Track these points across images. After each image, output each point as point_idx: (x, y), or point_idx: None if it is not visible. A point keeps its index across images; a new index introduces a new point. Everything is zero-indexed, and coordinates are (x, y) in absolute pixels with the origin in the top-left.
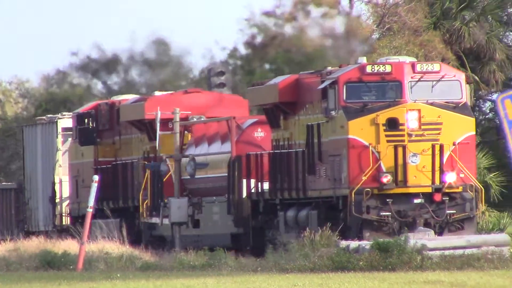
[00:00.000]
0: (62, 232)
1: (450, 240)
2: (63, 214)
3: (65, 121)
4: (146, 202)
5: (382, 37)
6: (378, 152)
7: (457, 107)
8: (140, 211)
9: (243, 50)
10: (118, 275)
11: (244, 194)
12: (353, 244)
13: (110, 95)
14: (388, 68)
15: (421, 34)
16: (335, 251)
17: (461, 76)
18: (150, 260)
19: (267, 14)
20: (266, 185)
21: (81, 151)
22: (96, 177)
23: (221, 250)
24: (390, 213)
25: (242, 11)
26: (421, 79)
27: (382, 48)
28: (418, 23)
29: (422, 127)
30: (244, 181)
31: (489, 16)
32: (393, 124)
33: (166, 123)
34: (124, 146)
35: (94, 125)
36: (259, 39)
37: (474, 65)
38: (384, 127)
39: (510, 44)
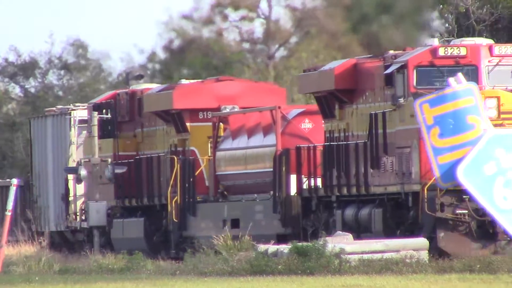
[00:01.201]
0: (76, 232)
1: (368, 244)
2: (78, 213)
3: (79, 112)
4: (175, 199)
5: (300, 41)
6: None
7: None
8: (169, 209)
9: (161, 54)
10: (37, 278)
11: (293, 191)
12: (272, 248)
13: (27, 98)
14: (462, 51)
15: (339, 38)
16: (254, 255)
17: None
18: (68, 264)
19: (185, 17)
20: (318, 181)
21: (98, 144)
22: (14, 181)
23: (139, 254)
24: (467, 211)
25: (161, 14)
26: (500, 63)
27: (300, 51)
28: (336, 26)
29: (502, 116)
30: (294, 176)
31: (406, 20)
32: None
33: (196, 113)
34: (147, 139)
35: (113, 117)
36: (177, 43)
37: None
38: None
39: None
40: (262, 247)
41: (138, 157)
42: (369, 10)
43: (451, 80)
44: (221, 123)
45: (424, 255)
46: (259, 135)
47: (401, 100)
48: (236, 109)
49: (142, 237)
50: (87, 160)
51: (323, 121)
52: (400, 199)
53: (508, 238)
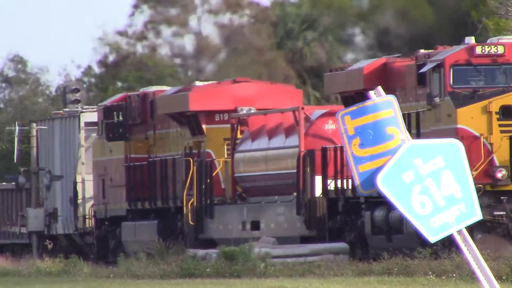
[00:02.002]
0: (85, 235)
1: (292, 248)
2: (87, 216)
3: (88, 115)
4: (191, 202)
5: (228, 56)
6: (491, 144)
7: None
8: (184, 212)
9: (97, 69)
10: None
11: (318, 193)
12: (201, 252)
13: None
14: (500, 50)
15: (265, 54)
16: (184, 259)
17: None
18: (8, 267)
19: (120, 33)
20: (344, 183)
21: (109, 147)
22: None
23: (76, 257)
24: (505, 213)
25: (97, 30)
26: None
27: (228, 66)
28: (262, 42)
29: None
30: (319, 178)
31: (329, 36)
32: (508, 112)
33: (212, 115)
34: (160, 141)
35: (124, 119)
36: (111, 58)
37: (316, 81)
38: (498, 116)
39: (349, 62)
40: (191, 251)
41: (151, 159)
42: (294, 26)
43: (371, 93)
44: (240, 126)
45: (345, 258)
46: (280, 136)
47: (437, 100)
48: (253, 111)
49: (156, 240)
50: (26, 169)
51: None
52: None
53: None
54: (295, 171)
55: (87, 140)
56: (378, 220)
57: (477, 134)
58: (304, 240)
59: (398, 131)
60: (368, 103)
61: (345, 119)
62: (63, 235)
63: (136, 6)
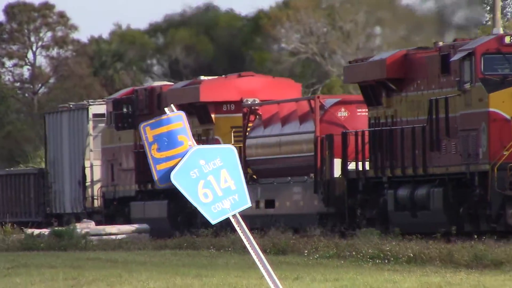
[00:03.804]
0: (93, 214)
1: (106, 228)
2: (95, 197)
3: (96, 107)
4: None
5: (57, 82)
6: None
7: None
8: None
9: None
10: None
11: (337, 173)
12: (36, 231)
13: None
14: None
15: (84, 80)
16: (24, 236)
17: None
18: None
19: None
20: (362, 165)
21: (118, 135)
22: None
23: None
24: None
25: None
26: None
27: (56, 89)
28: (83, 71)
29: None
30: (338, 160)
31: (134, 66)
32: None
33: (220, 106)
34: None
35: (131, 111)
36: None
37: None
38: None
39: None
40: (29, 231)
41: None
42: (107, 58)
43: (166, 109)
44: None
45: (146, 237)
46: (294, 123)
47: (467, 86)
48: (257, 102)
49: (165, 217)
50: None
51: (367, 109)
52: (463, 179)
53: None
54: (309, 154)
55: (95, 130)
56: (403, 198)
57: (508, 117)
58: (323, 217)
59: (187, 139)
60: (163, 117)
61: (146, 129)
62: (70, 214)
63: None
